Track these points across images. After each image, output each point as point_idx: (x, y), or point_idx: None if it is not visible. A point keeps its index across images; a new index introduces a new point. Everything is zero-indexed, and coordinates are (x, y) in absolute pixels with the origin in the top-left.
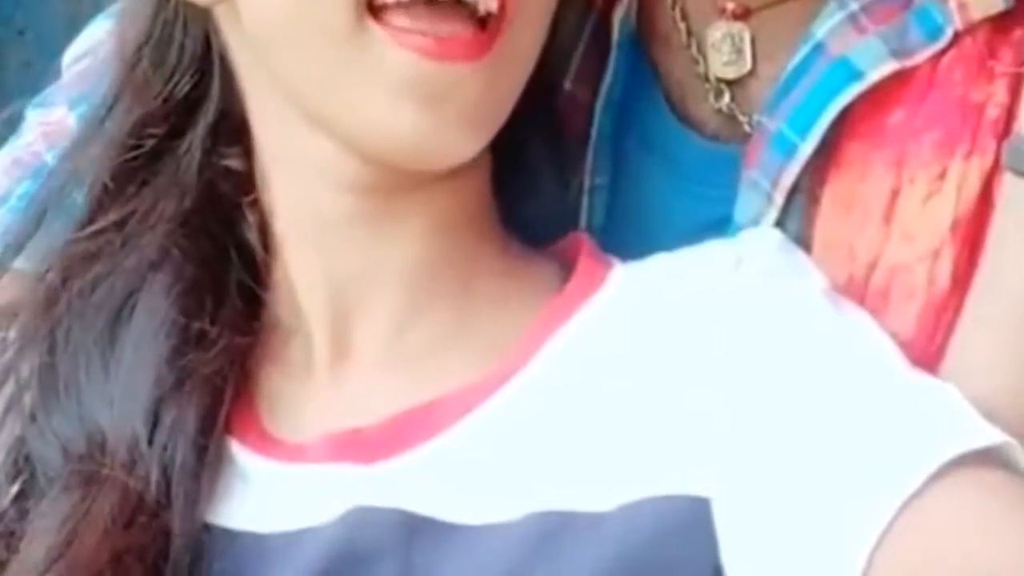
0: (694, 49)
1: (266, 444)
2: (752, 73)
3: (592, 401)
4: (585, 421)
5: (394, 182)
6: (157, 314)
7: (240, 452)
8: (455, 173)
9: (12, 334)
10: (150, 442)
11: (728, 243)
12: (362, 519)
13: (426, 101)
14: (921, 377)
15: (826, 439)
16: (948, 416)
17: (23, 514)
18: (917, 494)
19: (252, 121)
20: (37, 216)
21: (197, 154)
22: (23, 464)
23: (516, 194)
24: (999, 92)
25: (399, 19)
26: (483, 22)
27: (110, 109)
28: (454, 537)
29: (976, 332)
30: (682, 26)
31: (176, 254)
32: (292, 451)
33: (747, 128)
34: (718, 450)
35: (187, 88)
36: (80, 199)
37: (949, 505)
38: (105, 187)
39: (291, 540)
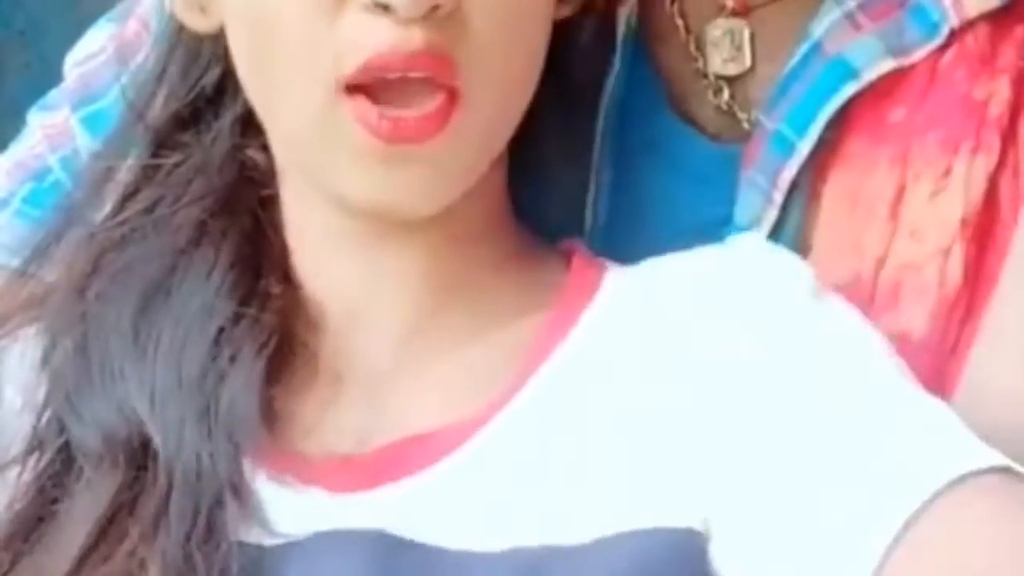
0: (693, 47)
1: (271, 451)
2: (752, 70)
3: (580, 431)
4: (572, 453)
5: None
6: (197, 295)
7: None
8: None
9: (42, 321)
10: (197, 431)
11: (717, 251)
12: (342, 540)
13: (384, 165)
14: (916, 392)
15: (826, 461)
16: (946, 436)
17: (60, 483)
18: (920, 513)
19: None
20: (71, 214)
21: (226, 143)
22: (59, 436)
23: (529, 189)
24: (1002, 89)
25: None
26: (442, 98)
27: (146, 103)
28: (435, 560)
29: (992, 354)
30: (680, 23)
31: (214, 231)
32: (286, 463)
33: (746, 126)
34: (713, 478)
35: (215, 84)
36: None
37: (953, 522)
38: (135, 176)
39: (274, 553)
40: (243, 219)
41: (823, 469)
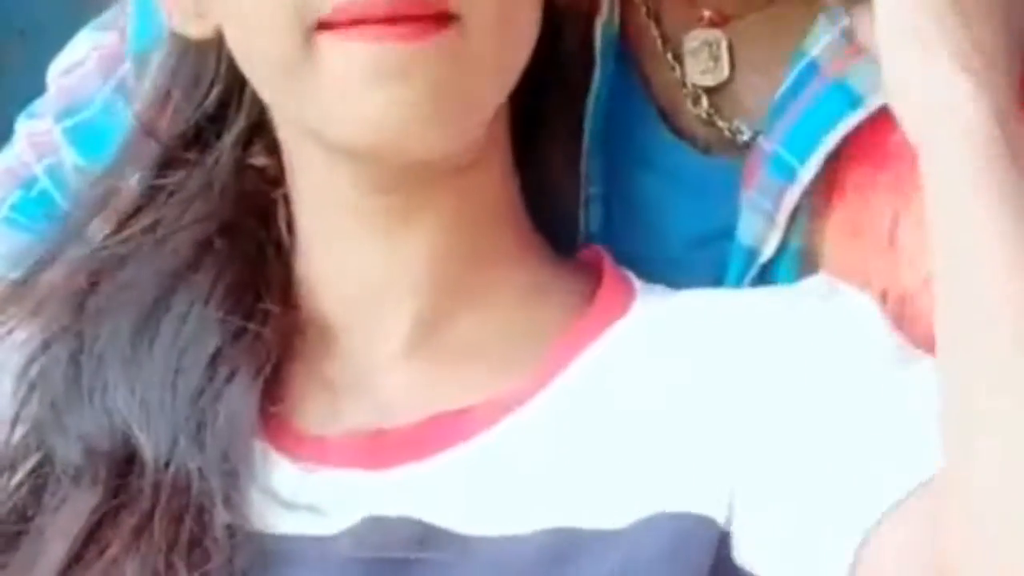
0: (670, 57)
1: (292, 444)
2: (731, 80)
3: (611, 421)
4: (603, 440)
5: (402, 180)
6: (197, 315)
7: (269, 452)
8: (467, 169)
9: (34, 331)
10: (192, 443)
11: (775, 294)
12: (374, 528)
13: (370, 84)
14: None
15: (813, 468)
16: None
17: (37, 497)
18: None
19: (275, 124)
20: (71, 231)
21: (228, 162)
22: (36, 450)
23: (536, 197)
24: None
25: (345, 14)
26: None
27: (153, 123)
28: (465, 548)
29: None
30: (656, 33)
31: (216, 252)
32: (316, 451)
33: (728, 135)
34: (734, 467)
35: (216, 101)
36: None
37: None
38: (137, 195)
39: (308, 545)
40: (244, 242)
41: (810, 475)
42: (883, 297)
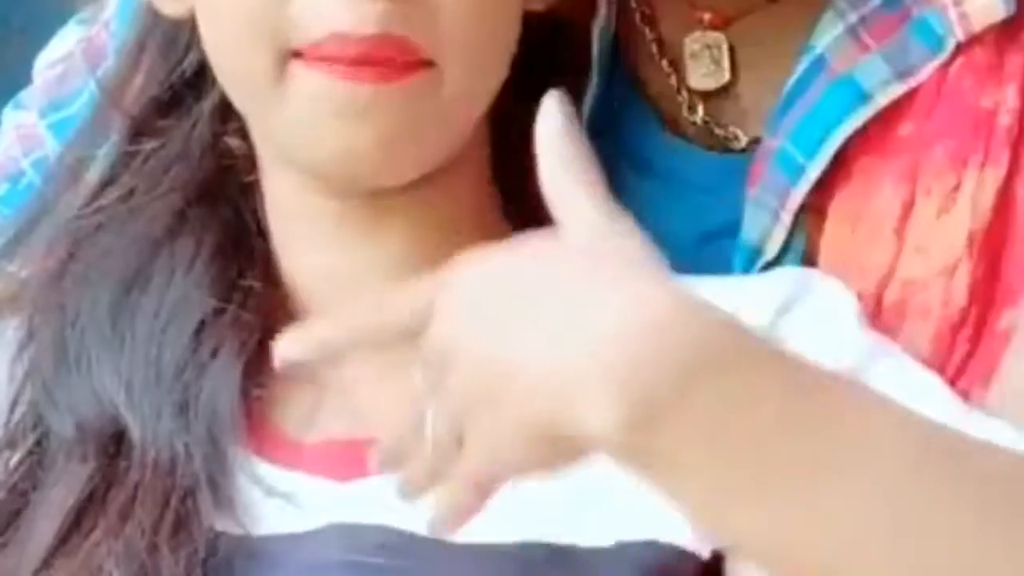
0: (665, 62)
1: (270, 445)
2: (732, 83)
3: None
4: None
5: (370, 192)
6: (177, 286)
7: (242, 450)
8: (443, 172)
9: (21, 316)
10: (176, 421)
11: (761, 281)
12: (349, 533)
13: (340, 117)
14: (983, 419)
15: None
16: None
17: (35, 476)
18: None
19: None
20: (44, 204)
21: (205, 130)
22: (34, 429)
23: (528, 197)
24: (1010, 98)
25: (318, 52)
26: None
27: (121, 89)
28: (440, 555)
29: None
30: (652, 39)
31: (195, 221)
32: (292, 456)
33: (723, 141)
34: None
35: (193, 67)
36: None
37: None
38: (112, 163)
39: (278, 545)
40: (224, 210)
41: None
42: (884, 282)
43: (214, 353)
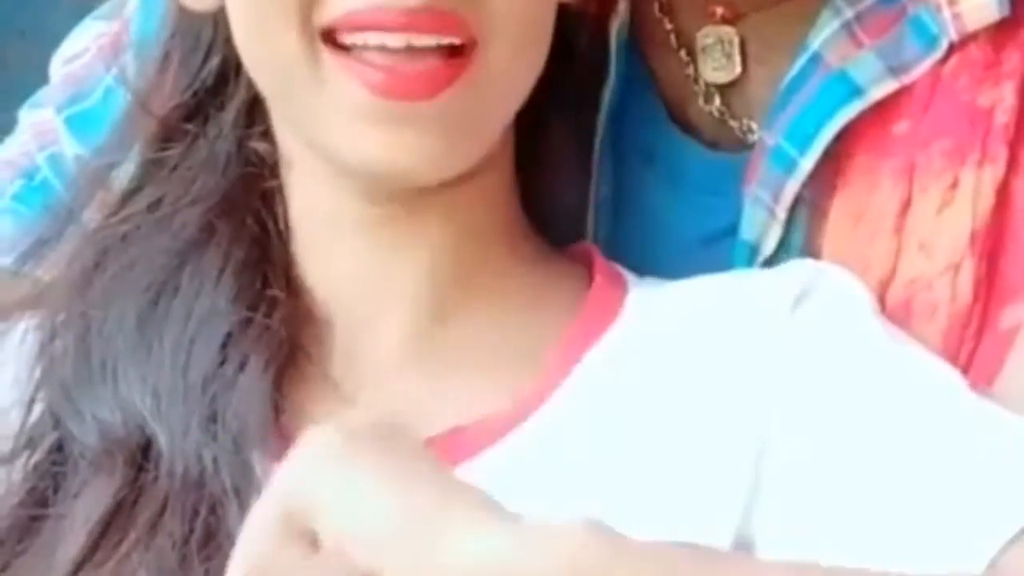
0: (684, 54)
1: (287, 452)
2: (743, 77)
3: (609, 448)
4: (599, 470)
5: (403, 193)
6: (205, 297)
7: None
8: (472, 176)
9: (42, 317)
10: (205, 433)
11: (775, 275)
12: None
13: (380, 126)
14: (998, 413)
15: (902, 493)
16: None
17: (56, 482)
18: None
19: (271, 118)
20: (70, 210)
21: (230, 136)
22: (53, 431)
23: (531, 203)
24: (1007, 96)
25: (352, 38)
26: (453, 50)
27: (149, 92)
28: None
29: None
30: (670, 29)
31: (222, 233)
32: None
33: (739, 134)
34: (747, 497)
35: (216, 72)
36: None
37: None
38: (138, 172)
39: None
40: (249, 222)
41: (895, 503)
42: (887, 281)
43: (242, 366)
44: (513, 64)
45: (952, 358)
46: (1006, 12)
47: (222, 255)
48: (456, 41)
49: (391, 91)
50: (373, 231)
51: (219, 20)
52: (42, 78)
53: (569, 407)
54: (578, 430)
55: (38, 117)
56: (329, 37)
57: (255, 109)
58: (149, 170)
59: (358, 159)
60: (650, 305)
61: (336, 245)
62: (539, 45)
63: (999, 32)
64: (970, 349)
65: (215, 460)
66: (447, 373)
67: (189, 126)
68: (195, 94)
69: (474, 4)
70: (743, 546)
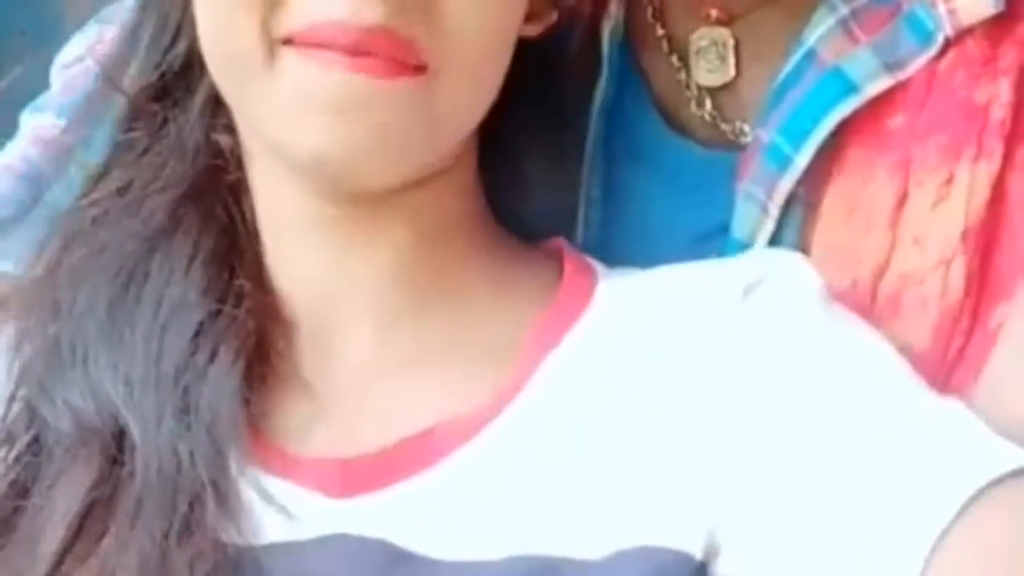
0: (675, 58)
1: (263, 455)
2: (736, 80)
3: (583, 440)
4: (575, 462)
5: (355, 196)
6: (175, 285)
7: (243, 457)
8: (435, 178)
9: (17, 311)
10: (178, 423)
11: (731, 264)
12: (344, 546)
13: (332, 113)
14: (935, 401)
15: (845, 480)
16: (970, 442)
17: (34, 472)
18: (950, 527)
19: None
20: (35, 193)
21: (198, 125)
22: (31, 423)
23: (512, 198)
24: (1004, 92)
25: (312, 36)
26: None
27: (118, 70)
28: (434, 572)
29: (1015, 359)
30: (662, 34)
31: (190, 221)
32: (286, 469)
33: (731, 136)
34: (722, 496)
35: (183, 57)
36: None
37: (985, 530)
38: (107, 154)
39: (279, 554)
40: (218, 210)
41: (840, 490)
42: (879, 274)
43: (212, 356)
44: (463, 95)
45: (941, 353)
46: (1001, 7)
47: (191, 243)
48: (408, 61)
49: (349, 65)
50: (334, 231)
51: (187, 7)
52: (42, 79)
53: (543, 397)
54: (553, 422)
55: (40, 122)
56: (287, 43)
57: (220, 101)
58: (118, 152)
59: (302, 151)
60: (619, 294)
61: (299, 244)
62: (491, 80)
63: (995, 28)
64: (960, 345)
65: (191, 454)
66: (422, 371)
67: (157, 107)
68: (163, 76)
69: (432, 34)
70: (686, 567)
